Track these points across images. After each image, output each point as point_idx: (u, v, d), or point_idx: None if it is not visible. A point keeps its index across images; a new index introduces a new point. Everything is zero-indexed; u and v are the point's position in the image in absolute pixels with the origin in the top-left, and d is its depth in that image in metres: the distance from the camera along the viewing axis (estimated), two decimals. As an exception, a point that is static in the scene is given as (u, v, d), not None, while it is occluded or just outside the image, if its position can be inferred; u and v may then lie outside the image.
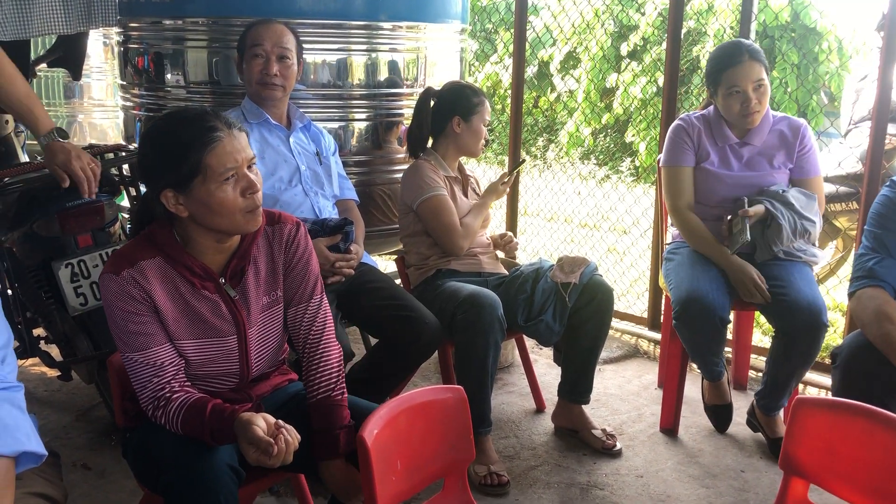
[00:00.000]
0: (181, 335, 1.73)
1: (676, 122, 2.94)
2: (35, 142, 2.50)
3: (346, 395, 1.86)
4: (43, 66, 3.97)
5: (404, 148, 3.37)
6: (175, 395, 1.68)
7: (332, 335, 1.90)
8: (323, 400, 1.82)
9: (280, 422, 1.59)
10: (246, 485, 1.75)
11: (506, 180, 2.97)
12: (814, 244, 2.79)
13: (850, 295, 2.14)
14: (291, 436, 1.57)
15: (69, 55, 3.80)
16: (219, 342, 1.77)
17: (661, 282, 3.05)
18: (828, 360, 2.39)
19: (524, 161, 3.00)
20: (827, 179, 3.94)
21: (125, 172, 2.92)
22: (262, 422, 1.57)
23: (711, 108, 2.92)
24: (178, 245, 1.72)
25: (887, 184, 2.18)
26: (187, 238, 1.73)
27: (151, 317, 1.69)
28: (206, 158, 1.62)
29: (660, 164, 3.00)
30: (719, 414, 2.99)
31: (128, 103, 3.59)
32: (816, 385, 3.21)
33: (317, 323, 1.87)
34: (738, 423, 3.06)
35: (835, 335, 3.97)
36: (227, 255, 1.77)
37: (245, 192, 1.67)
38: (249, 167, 1.69)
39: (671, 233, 3.10)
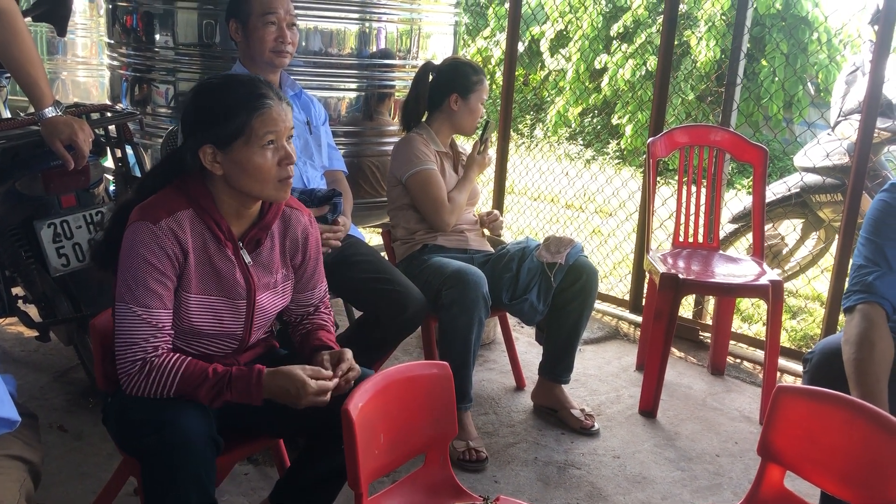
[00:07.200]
0: (198, 289, 1.74)
1: None
2: (17, 97, 2.46)
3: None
4: (27, 20, 3.88)
5: (395, 120, 3.34)
6: (163, 358, 1.68)
7: (329, 308, 2.03)
8: (319, 326, 1.96)
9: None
10: (223, 455, 1.75)
11: (481, 149, 2.93)
12: None
13: (848, 309, 1.99)
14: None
15: (54, 10, 3.72)
16: (230, 302, 1.79)
17: (647, 265, 3.06)
18: (805, 349, 2.40)
19: (489, 122, 2.96)
20: (814, 170, 3.97)
21: (111, 133, 2.88)
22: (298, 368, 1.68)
23: None
24: (211, 199, 1.74)
25: (885, 188, 2.04)
26: (215, 197, 1.75)
27: (172, 277, 1.70)
28: (252, 121, 1.67)
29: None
30: None
31: (114, 62, 3.53)
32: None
33: (322, 301, 2.00)
34: (716, 408, 3.10)
35: (813, 324, 4.02)
36: (248, 223, 1.80)
37: (281, 162, 1.71)
38: (288, 139, 1.73)
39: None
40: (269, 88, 1.72)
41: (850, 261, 2.09)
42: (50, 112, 2.34)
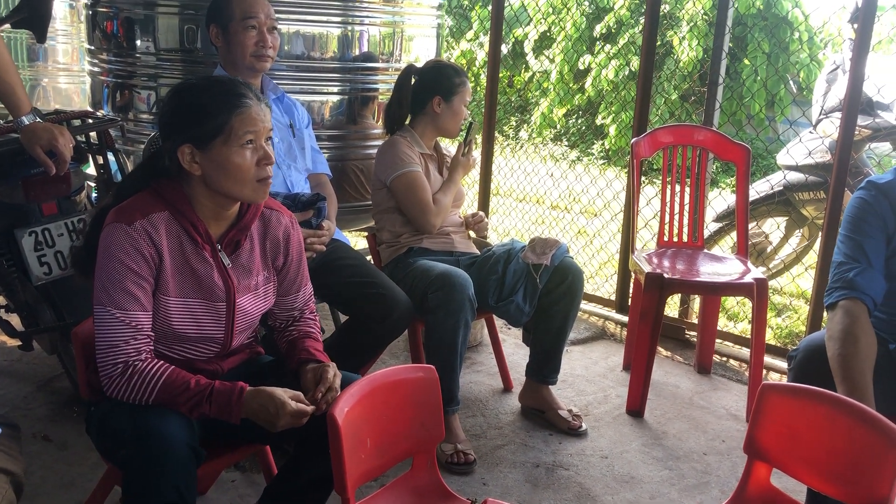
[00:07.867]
0: (176, 292, 1.73)
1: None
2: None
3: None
4: (6, 27, 3.84)
5: (379, 123, 3.33)
6: (146, 364, 1.66)
7: (315, 312, 2.03)
8: (305, 334, 1.95)
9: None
10: (209, 462, 1.74)
11: (465, 150, 2.93)
12: None
13: (831, 306, 2.01)
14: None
15: (34, 16, 3.67)
16: (209, 305, 1.78)
17: (632, 265, 3.07)
18: (790, 347, 2.41)
19: (472, 123, 2.96)
20: (796, 168, 4.00)
21: (92, 140, 2.86)
22: (280, 390, 1.67)
23: None
24: (188, 201, 1.74)
25: (862, 185, 2.07)
26: (192, 199, 1.75)
27: (149, 279, 1.69)
28: (232, 120, 1.67)
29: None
30: None
31: (95, 69, 3.50)
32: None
33: (307, 305, 2.00)
34: (703, 406, 3.11)
35: (798, 322, 4.04)
36: (226, 224, 1.80)
37: (260, 162, 1.71)
38: (267, 141, 1.74)
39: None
40: (248, 89, 1.73)
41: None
42: (28, 119, 2.32)
